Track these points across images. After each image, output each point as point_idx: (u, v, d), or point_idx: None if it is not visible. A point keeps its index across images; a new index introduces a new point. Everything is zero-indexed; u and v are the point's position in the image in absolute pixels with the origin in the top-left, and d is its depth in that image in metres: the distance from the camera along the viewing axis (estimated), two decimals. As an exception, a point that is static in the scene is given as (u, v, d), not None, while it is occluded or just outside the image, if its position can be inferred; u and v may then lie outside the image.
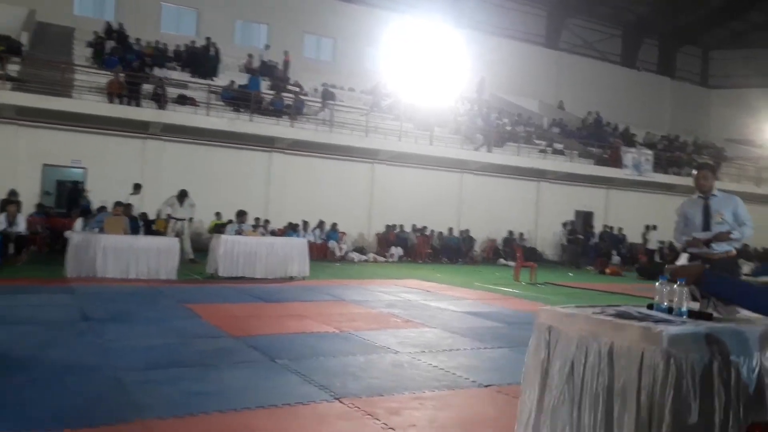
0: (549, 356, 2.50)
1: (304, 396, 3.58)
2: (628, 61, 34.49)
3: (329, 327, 5.98)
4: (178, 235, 12.78)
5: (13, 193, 12.27)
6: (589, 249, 19.93)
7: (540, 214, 22.32)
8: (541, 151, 22.72)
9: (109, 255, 9.31)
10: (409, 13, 27.32)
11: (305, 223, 16.75)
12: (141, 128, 16.26)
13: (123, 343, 4.88)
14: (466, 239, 19.05)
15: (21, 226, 10.74)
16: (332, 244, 16.78)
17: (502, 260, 18.87)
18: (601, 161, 23.93)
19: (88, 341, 4.89)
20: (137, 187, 13.99)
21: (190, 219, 13.93)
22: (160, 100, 16.31)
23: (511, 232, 20.52)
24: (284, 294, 8.53)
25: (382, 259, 17.20)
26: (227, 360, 4.47)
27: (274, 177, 18.37)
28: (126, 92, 16.17)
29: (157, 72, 18.45)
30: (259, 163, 18.17)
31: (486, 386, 3.96)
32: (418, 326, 6.30)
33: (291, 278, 10.75)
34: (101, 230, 9.87)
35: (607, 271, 17.01)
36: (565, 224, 21.06)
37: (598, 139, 25.94)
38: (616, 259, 19.51)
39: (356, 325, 6.13)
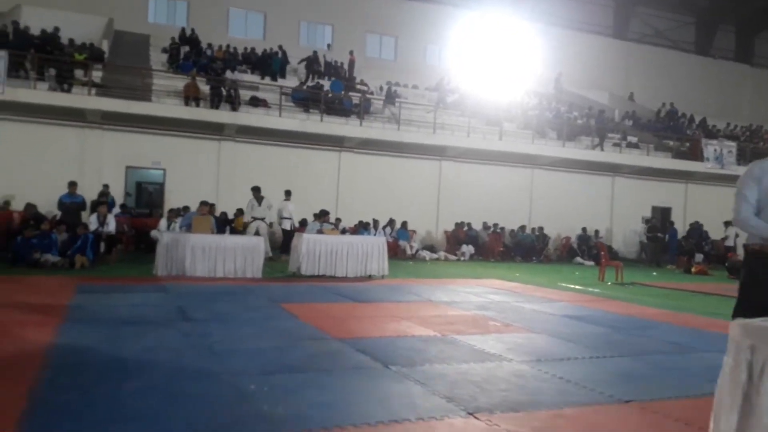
0: (753, 378, 2.19)
1: (435, 410, 3.38)
2: (703, 49, 32.72)
3: (429, 330, 5.79)
4: (257, 234, 12.96)
5: (103, 194, 12.72)
6: (670, 247, 18.94)
7: (615, 210, 21.43)
8: (615, 144, 21.78)
9: (197, 254, 9.48)
10: (471, 8, 26.85)
11: (375, 221, 16.66)
12: (216, 130, 16.62)
13: (231, 345, 4.84)
14: (540, 237, 18.48)
15: (111, 226, 11.11)
16: (403, 242, 16.63)
17: (578, 259, 18.19)
18: (679, 154, 22.74)
19: (196, 343, 4.88)
20: (288, 194, 14.34)
21: (272, 223, 14.16)
22: (233, 102, 16.59)
23: (585, 230, 19.77)
24: (371, 293, 8.41)
25: (453, 257, 16.90)
26: (339, 365, 4.34)
27: (343, 176, 18.42)
28: (201, 95, 16.57)
29: (229, 75, 18.82)
30: (328, 163, 18.25)
31: (626, 402, 3.65)
32: (521, 331, 6.02)
33: (370, 277, 10.67)
34: (188, 229, 10.08)
35: (693, 270, 16.07)
36: (647, 221, 20.14)
37: (675, 131, 24.68)
38: (699, 257, 18.46)
39: (457, 329, 5.91)
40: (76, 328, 5.18)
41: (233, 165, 17.06)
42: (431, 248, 17.38)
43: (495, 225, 18.22)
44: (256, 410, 3.27)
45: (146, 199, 17.38)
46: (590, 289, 10.43)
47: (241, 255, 9.84)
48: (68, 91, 15.02)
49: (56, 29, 17.06)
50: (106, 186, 14.12)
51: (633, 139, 22.73)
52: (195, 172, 16.64)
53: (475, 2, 26.92)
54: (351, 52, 22.76)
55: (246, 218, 13.74)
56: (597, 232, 19.92)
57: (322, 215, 11.64)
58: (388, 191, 18.33)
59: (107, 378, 3.74)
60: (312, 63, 21.24)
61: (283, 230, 14.00)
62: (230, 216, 14.80)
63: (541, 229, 18.75)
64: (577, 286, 10.87)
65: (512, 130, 20.45)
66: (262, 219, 13.62)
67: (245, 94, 17.72)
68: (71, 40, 17.15)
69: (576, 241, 19.49)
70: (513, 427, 3.13)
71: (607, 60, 29.54)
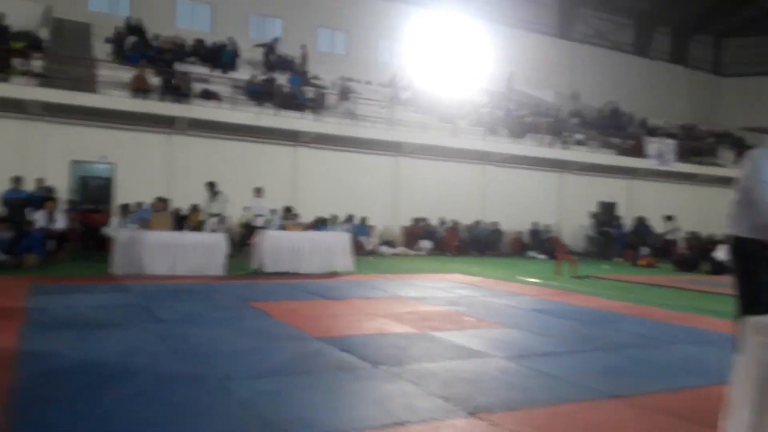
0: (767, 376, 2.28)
1: (435, 410, 3.37)
2: (641, 50, 34.14)
3: (407, 327, 5.80)
4: (214, 230, 12.63)
5: (50, 190, 12.07)
6: (617, 241, 19.72)
7: (563, 205, 22.13)
8: (564, 142, 22.46)
9: (156, 252, 9.15)
10: (422, 5, 27.03)
11: (334, 217, 16.54)
12: (166, 124, 16.07)
13: (210, 347, 4.69)
14: (495, 232, 18.85)
15: (60, 222, 10.56)
16: (362, 238, 16.59)
17: (531, 253, 18.67)
18: (623, 152, 23.70)
19: (175, 346, 4.70)
20: (259, 191, 13.92)
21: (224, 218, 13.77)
22: (184, 95, 16.08)
23: (535, 224, 20.32)
24: (339, 290, 8.35)
25: (412, 252, 17.02)
26: (326, 365, 4.28)
27: (300, 171, 18.21)
28: (150, 88, 15.96)
29: (178, 67, 18.21)
30: (284, 158, 17.99)
31: (616, 397, 3.76)
32: (496, 326, 6.12)
33: (334, 273, 10.60)
34: (142, 226, 9.70)
35: (641, 263, 16.80)
36: (594, 215, 20.86)
37: (618, 129, 25.70)
38: (645, 250, 19.30)
39: (433, 325, 5.94)
40: (40, 332, 4.89)
41: (185, 159, 16.54)
42: (390, 243, 17.44)
43: (452, 220, 18.46)
44: (258, 416, 3.18)
45: (92, 195, 16.58)
46: (550, 283, 10.71)
47: (202, 252, 9.58)
48: (5, 81, 14.14)
49: (1, 15, 15.94)
50: (40, 180, 13.28)
51: (579, 137, 23.51)
52: (145, 166, 16.03)
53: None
54: (303, 47, 22.46)
55: (202, 214, 13.37)
56: (548, 226, 20.50)
57: (287, 211, 11.45)
58: (346, 187, 18.27)
59: (89, 386, 3.55)
60: (270, 50, 20.85)
61: (256, 228, 13.46)
62: (184, 212, 14.33)
63: (495, 224, 19.11)
64: (536, 280, 11.15)
65: (465, 127, 20.75)
66: (218, 215, 13.30)
67: (196, 87, 17.19)
68: (6, 27, 16.13)
69: (528, 236, 20.00)
70: (516, 426, 3.16)
71: (553, 59, 30.37)
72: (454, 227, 18.35)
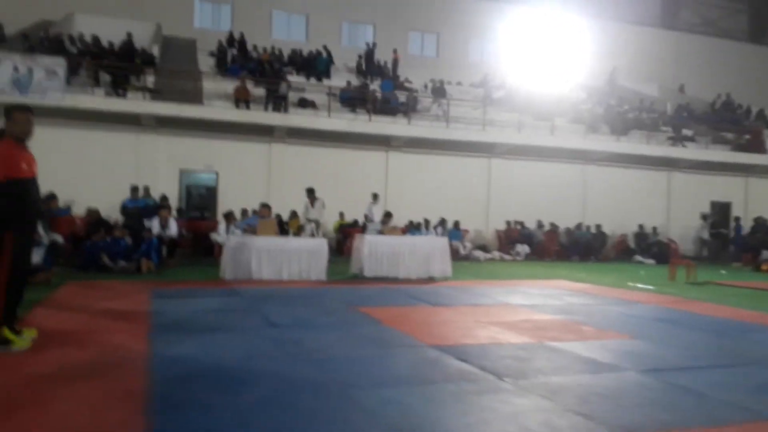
0: None
1: (578, 430, 3.11)
2: (756, 37, 31.39)
3: (523, 337, 5.51)
4: (313, 235, 12.87)
5: (164, 198, 12.81)
6: (735, 244, 18.13)
7: (672, 206, 20.68)
8: (670, 138, 21.00)
9: (263, 257, 9.40)
10: (516, 2, 26.35)
11: (426, 221, 16.40)
12: (267, 133, 16.63)
13: (327, 353, 4.65)
14: (599, 235, 17.90)
15: (173, 229, 11.13)
16: (455, 242, 16.31)
17: (637, 257, 17.55)
18: (738, 147, 21.80)
19: (291, 351, 4.71)
20: (375, 197, 14.36)
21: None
22: (283, 104, 16.58)
23: (642, 227, 19.11)
24: (443, 296, 8.17)
25: (508, 257, 16.52)
26: (447, 376, 4.10)
27: (391, 175, 18.24)
28: (251, 98, 16.59)
29: (276, 78, 18.82)
30: (376, 162, 18.09)
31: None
32: (620, 336, 5.69)
33: (431, 279, 10.43)
34: (251, 232, 10.01)
35: (764, 267, 15.31)
36: (705, 216, 19.35)
37: (732, 123, 23.69)
38: (766, 254, 17.60)
39: (551, 335, 5.61)
40: (166, 335, 5.09)
41: (283, 167, 17.05)
42: (483, 248, 17.03)
43: (551, 223, 17.74)
44: (389, 428, 3.06)
45: (196, 203, 17.49)
46: (665, 290, 9.95)
47: (306, 257, 9.73)
48: (123, 96, 15.22)
49: (129, 35, 17.14)
50: (146, 188, 14.06)
51: (688, 133, 21.90)
52: (246, 174, 16.70)
53: (518, -4, 26.39)
54: (395, 51, 22.55)
55: (301, 220, 13.67)
56: (655, 229, 19.23)
57: (386, 216, 11.45)
58: (437, 190, 18.08)
59: (220, 391, 3.59)
60: (369, 58, 21.12)
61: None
62: (284, 218, 14.74)
63: (599, 227, 18.14)
64: (649, 287, 10.41)
65: (563, 125, 19.93)
66: (316, 220, 13.53)
67: (293, 96, 17.69)
68: (133, 46, 17.37)
69: (633, 239, 18.85)
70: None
71: (656, 51, 28.65)
72: (553, 231, 17.62)
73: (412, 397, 3.57)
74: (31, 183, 4.45)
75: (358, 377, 3.99)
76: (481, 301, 7.91)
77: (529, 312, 6.99)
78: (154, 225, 10.98)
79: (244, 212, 13.61)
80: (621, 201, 19.67)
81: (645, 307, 7.76)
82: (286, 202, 15.26)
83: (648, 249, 17.88)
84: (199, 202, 17.31)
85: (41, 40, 16.54)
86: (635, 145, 19.98)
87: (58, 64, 13.76)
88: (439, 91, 19.55)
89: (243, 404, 3.34)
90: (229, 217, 12.70)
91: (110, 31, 18.12)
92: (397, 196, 17.75)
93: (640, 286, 10.58)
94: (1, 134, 4.63)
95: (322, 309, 6.81)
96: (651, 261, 17.02)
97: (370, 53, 21.37)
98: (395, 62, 22.21)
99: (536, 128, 19.39)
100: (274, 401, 3.41)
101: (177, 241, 11.46)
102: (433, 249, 10.55)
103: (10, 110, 4.42)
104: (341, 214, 16.79)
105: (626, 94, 25.23)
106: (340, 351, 4.74)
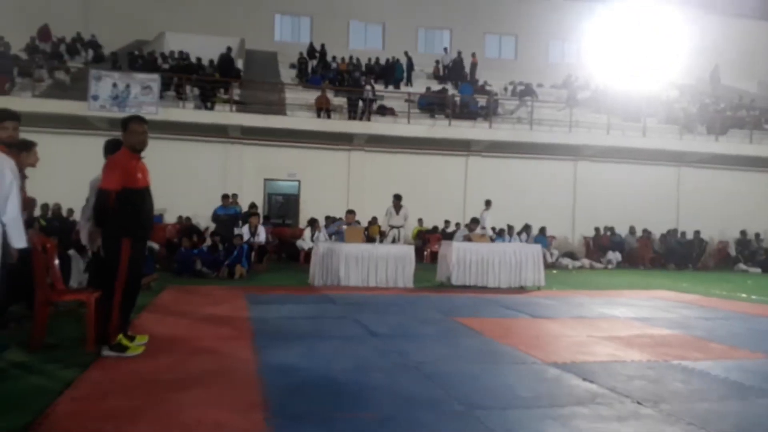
0: None
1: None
2: None
3: (645, 354, 5.04)
4: (394, 242, 12.77)
5: (253, 206, 13.09)
6: None
7: (778, 210, 19.04)
8: (776, 136, 19.37)
9: (350, 263, 9.33)
10: (600, 0, 25.29)
11: (510, 227, 15.88)
12: (346, 140, 16.72)
13: (436, 367, 4.38)
14: (697, 242, 16.71)
15: (262, 236, 11.31)
16: (543, 249, 15.67)
17: (741, 265, 16.24)
18: None
19: (398, 363, 4.50)
20: (488, 203, 14.35)
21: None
22: (368, 110, 16.63)
23: (744, 233, 17.67)
24: (541, 307, 7.74)
25: (599, 265, 15.70)
26: (578, 398, 3.72)
27: (471, 181, 17.87)
28: (332, 107, 16.75)
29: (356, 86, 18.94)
30: (456, 168, 17.80)
31: None
32: (752, 356, 5.10)
33: (521, 288, 9.99)
34: (338, 238, 9.98)
35: None
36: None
37: None
38: None
39: (675, 353, 5.11)
40: (270, 342, 5.03)
41: (362, 173, 17.09)
42: (571, 255, 16.28)
43: (644, 230, 16.74)
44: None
45: (277, 210, 17.81)
46: (789, 303, 9.04)
47: (393, 264, 9.57)
48: (211, 108, 15.74)
49: (229, 49, 17.73)
50: (232, 194, 14.39)
51: (796, 130, 20.12)
52: (326, 181, 16.85)
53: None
54: (473, 55, 22.20)
55: (383, 226, 13.59)
56: (758, 235, 17.76)
57: (473, 222, 11.14)
58: (519, 195, 17.50)
59: (337, 404, 3.44)
60: (458, 64, 20.97)
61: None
62: (364, 224, 14.70)
63: (697, 233, 16.92)
64: (764, 298, 9.50)
65: (655, 126, 18.83)
66: (399, 227, 13.40)
67: (372, 104, 17.68)
68: (211, 61, 18.03)
69: (734, 246, 17.47)
70: None
71: (755, 45, 26.63)
72: (647, 237, 16.60)
73: (546, 421, 3.26)
74: (145, 192, 4.51)
75: (480, 396, 3.72)
76: (584, 313, 7.42)
77: (642, 326, 6.47)
78: (245, 232, 11.19)
79: (329, 219, 13.70)
80: (719, 205, 18.30)
81: (771, 321, 7.03)
82: (365, 208, 15.24)
83: (752, 257, 16.50)
84: (279, 210, 17.64)
85: (136, 58, 17.44)
86: (737, 145, 18.55)
87: (153, 80, 14.40)
88: (524, 93, 18.99)
89: (363, 422, 3.16)
90: (313, 223, 12.82)
91: (198, 48, 18.89)
92: (478, 201, 17.32)
93: (754, 297, 9.68)
94: (117, 145, 4.75)
95: (418, 318, 6.59)
96: (756, 269, 15.70)
97: (458, 60, 21.14)
98: (473, 66, 21.85)
99: (626, 129, 18.43)
100: (396, 420, 3.21)
101: (265, 247, 11.63)
102: (525, 256, 10.10)
103: (128, 121, 4.50)
104: (420, 221, 16.60)
105: (724, 92, 23.59)
106: (451, 365, 4.49)
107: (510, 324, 6.46)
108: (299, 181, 16.90)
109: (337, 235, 10.36)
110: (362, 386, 3.84)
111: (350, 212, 10.72)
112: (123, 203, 4.30)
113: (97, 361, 4.25)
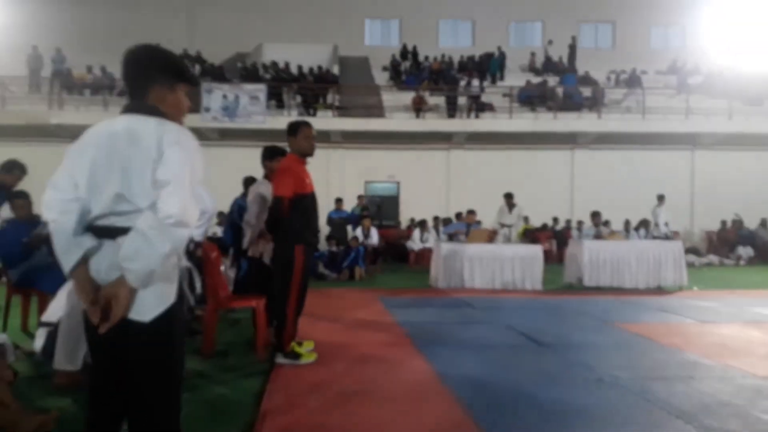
0: None
1: None
2: None
3: None
4: (506, 241, 12.26)
5: (365, 209, 13.07)
6: None
7: None
8: None
9: (475, 265, 8.99)
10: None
11: (626, 222, 14.89)
12: (444, 140, 16.40)
13: (643, 384, 3.87)
14: None
15: (375, 238, 11.21)
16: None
17: None
18: None
19: (591, 378, 4.02)
20: (661, 198, 13.86)
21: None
22: (471, 109, 16.26)
23: None
24: (699, 310, 7.03)
25: (729, 261, 14.44)
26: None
27: (577, 175, 17.04)
28: (428, 107, 16.49)
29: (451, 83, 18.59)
30: (561, 162, 17.03)
31: None
32: None
33: (659, 288, 9.24)
34: (455, 239, 9.68)
35: None
36: None
37: None
38: None
39: None
40: (434, 350, 4.76)
41: (462, 172, 16.71)
42: (695, 251, 15.08)
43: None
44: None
45: (374, 212, 17.70)
46: None
47: (520, 265, 9.13)
48: (314, 115, 15.91)
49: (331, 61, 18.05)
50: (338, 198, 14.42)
51: None
52: (425, 181, 16.61)
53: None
54: (572, 41, 21.24)
55: (494, 224, 13.12)
56: None
57: (595, 217, 10.51)
58: (630, 188, 16.44)
59: (548, 426, 3.11)
60: (572, 52, 20.21)
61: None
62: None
63: None
64: None
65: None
66: (510, 226, 12.88)
67: (469, 101, 17.26)
68: (311, 69, 18.29)
69: None
70: None
71: None
72: (784, 230, 15.12)
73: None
74: (313, 198, 4.40)
75: (719, 419, 3.24)
76: (756, 317, 6.67)
77: (841, 331, 5.69)
78: (358, 234, 11.13)
79: (445, 221, 13.44)
80: None
81: None
82: (466, 207, 14.83)
83: None
84: (376, 211, 17.54)
85: (239, 70, 17.97)
86: None
87: (260, 90, 14.72)
88: (631, 81, 17.92)
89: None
90: (422, 225, 12.59)
91: (293, 56, 19.23)
92: (585, 196, 16.49)
93: None
94: (274, 152, 4.71)
95: (574, 324, 6.13)
96: None
97: (572, 48, 20.35)
98: (571, 56, 20.91)
99: (749, 114, 16.91)
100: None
101: (378, 249, 11.52)
102: (665, 254, 9.34)
103: (298, 126, 4.39)
104: (525, 219, 15.94)
105: None
106: (652, 380, 4.00)
107: (680, 330, 5.87)
108: (398, 183, 16.76)
109: (457, 237, 10.04)
110: (567, 405, 3.47)
111: (471, 212, 10.39)
112: (295, 209, 4.19)
113: (274, 369, 4.16)
